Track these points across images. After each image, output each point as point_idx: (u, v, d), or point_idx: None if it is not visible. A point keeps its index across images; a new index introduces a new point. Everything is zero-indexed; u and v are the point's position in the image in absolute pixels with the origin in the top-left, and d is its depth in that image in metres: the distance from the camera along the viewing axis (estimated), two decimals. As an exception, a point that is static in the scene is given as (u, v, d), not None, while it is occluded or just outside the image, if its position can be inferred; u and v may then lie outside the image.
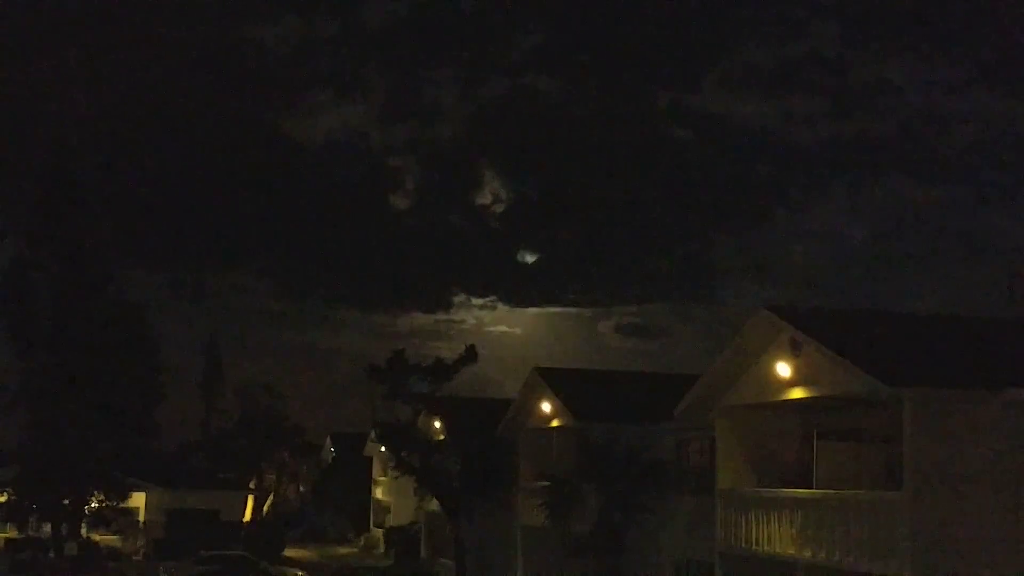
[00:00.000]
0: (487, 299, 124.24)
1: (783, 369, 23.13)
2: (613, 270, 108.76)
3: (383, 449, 51.09)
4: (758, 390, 24.26)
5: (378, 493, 64.10)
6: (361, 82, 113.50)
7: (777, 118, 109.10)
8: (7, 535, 49.29)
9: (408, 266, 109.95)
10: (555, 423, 35.31)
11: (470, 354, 40.87)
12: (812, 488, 22.94)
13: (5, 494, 46.94)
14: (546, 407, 35.40)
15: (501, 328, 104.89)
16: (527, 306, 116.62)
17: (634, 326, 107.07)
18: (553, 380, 35.67)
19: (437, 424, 43.50)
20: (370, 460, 65.10)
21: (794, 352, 22.84)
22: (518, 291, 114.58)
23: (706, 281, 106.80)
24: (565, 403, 34.14)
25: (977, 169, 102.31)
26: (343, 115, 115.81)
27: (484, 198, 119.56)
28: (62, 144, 48.68)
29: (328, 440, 73.92)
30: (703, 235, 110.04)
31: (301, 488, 74.51)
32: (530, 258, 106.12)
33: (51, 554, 45.95)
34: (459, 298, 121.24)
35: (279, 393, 65.60)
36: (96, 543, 49.34)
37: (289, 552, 55.49)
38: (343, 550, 61.85)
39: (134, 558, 51.59)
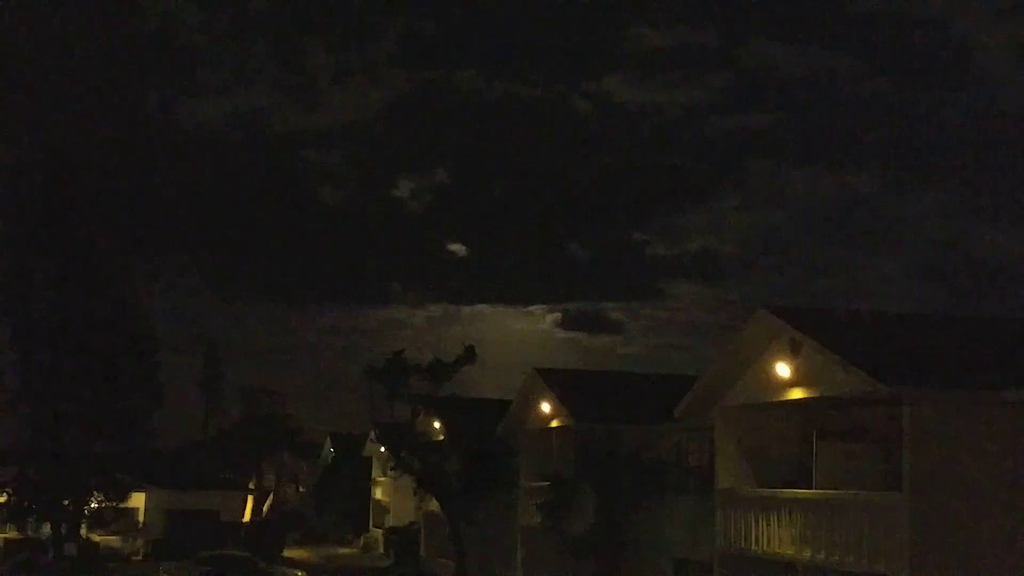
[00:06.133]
0: (423, 294, 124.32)
1: (782, 369, 23.09)
2: (547, 266, 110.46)
3: (383, 449, 51.05)
4: (758, 390, 24.23)
5: (378, 493, 64.08)
6: (274, 73, 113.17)
7: (686, 109, 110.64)
8: (7, 535, 49.23)
9: (336, 262, 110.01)
10: (555, 423, 35.28)
11: (469, 354, 40.76)
12: (812, 488, 22.91)
13: (5, 494, 46.88)
14: (545, 407, 35.38)
15: (456, 328, 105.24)
16: (462, 303, 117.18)
17: (584, 323, 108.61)
18: (552, 380, 35.64)
19: (436, 424, 43.48)
20: (370, 460, 65.08)
21: (793, 352, 22.80)
22: (453, 287, 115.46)
23: (642, 278, 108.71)
24: (564, 403, 34.12)
25: (888, 159, 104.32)
26: (250, 106, 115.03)
27: (403, 192, 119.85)
28: (64, 143, 48.62)
29: (328, 440, 73.93)
30: (627, 228, 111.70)
31: (301, 488, 74.53)
32: (461, 253, 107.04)
33: (50, 554, 45.90)
34: (394, 294, 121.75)
35: (278, 393, 65.57)
36: (96, 543, 49.30)
37: (289, 552, 55.46)
38: (343, 550, 61.81)
39: (134, 558, 51.55)
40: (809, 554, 22.13)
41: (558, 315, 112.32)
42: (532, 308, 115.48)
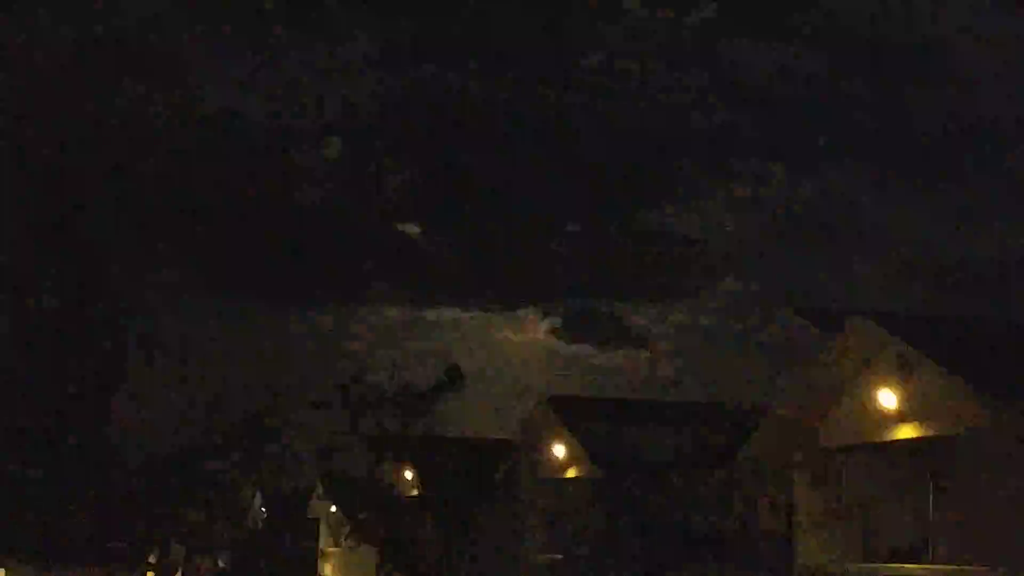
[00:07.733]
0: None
1: (887, 398, 23.11)
2: (533, 264, 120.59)
3: (333, 509, 51.03)
4: (850, 427, 24.44)
5: (327, 569, 64.12)
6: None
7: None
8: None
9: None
10: (571, 472, 35.39)
11: (452, 378, 40.54)
12: (931, 562, 22.88)
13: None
14: (559, 451, 35.47)
15: (426, 343, 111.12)
16: (448, 306, 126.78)
17: (580, 330, 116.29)
18: (568, 414, 35.65)
19: (408, 474, 43.37)
20: (316, 524, 65.05)
21: (902, 375, 22.84)
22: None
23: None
24: (584, 446, 34.25)
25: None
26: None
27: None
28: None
29: (258, 496, 73.70)
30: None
31: (220, 563, 74.42)
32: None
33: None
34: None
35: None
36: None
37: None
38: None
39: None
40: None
41: (555, 322, 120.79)
42: (520, 311, 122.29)
